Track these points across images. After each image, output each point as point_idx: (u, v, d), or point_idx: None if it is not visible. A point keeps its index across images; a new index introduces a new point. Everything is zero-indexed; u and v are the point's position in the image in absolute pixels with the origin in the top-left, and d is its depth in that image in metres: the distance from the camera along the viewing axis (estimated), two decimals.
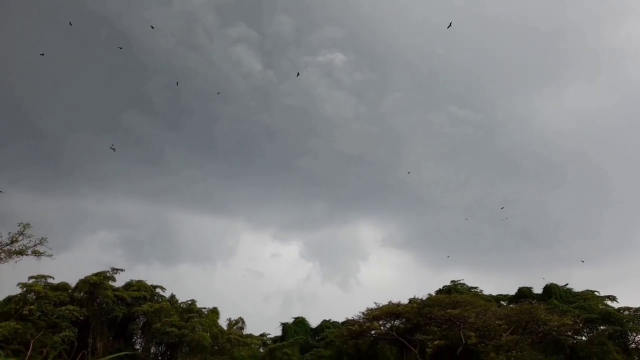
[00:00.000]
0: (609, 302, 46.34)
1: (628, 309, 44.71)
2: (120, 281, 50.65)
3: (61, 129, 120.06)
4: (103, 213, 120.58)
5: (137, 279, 52.22)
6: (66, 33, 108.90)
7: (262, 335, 59.63)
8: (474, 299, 40.44)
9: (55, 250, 25.92)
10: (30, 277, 45.83)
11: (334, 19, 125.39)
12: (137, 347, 50.39)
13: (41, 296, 44.09)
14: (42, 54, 75.05)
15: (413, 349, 38.76)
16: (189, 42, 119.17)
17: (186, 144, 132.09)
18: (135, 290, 49.91)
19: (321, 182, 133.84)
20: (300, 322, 57.15)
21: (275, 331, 58.51)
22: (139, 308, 48.12)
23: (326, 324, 57.60)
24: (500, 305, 45.87)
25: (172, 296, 54.19)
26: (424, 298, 43.39)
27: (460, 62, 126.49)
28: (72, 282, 48.15)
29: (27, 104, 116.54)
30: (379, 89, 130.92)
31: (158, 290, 53.36)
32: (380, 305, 41.78)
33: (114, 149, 47.48)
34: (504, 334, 34.75)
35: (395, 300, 42.21)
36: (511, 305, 45.48)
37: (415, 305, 41.20)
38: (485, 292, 52.96)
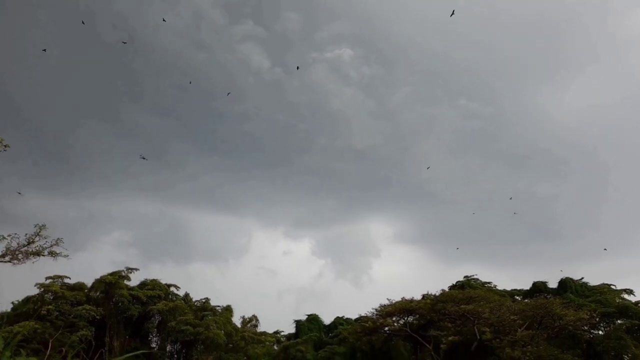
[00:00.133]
0: (625, 296, 45.76)
1: None
2: (135, 280, 51.36)
3: (72, 130, 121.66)
4: (117, 213, 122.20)
5: (151, 278, 52.92)
6: (73, 33, 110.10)
7: (276, 332, 60.00)
8: (488, 294, 40.14)
9: (70, 250, 26.23)
10: (47, 278, 46.61)
11: (341, 14, 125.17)
12: (153, 345, 50.99)
13: (58, 296, 44.81)
14: (44, 50, 75.82)
15: (427, 345, 38.65)
16: (197, 40, 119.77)
17: (196, 143, 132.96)
18: (150, 289, 50.48)
19: (331, 178, 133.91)
20: (313, 319, 57.35)
21: (289, 328, 58.92)
22: (154, 307, 48.68)
23: (339, 321, 57.74)
24: (514, 300, 45.50)
25: (186, 294, 54.71)
26: (437, 294, 43.20)
27: (468, 55, 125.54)
28: (88, 282, 48.92)
29: (37, 105, 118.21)
30: (388, 84, 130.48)
31: (172, 288, 53.93)
32: (393, 301, 41.67)
33: (144, 158, 47.74)
34: (519, 329, 34.46)
35: (408, 296, 42.10)
36: (526, 300, 45.06)
37: (428, 301, 41.04)
38: (499, 287, 52.60)
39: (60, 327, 41.73)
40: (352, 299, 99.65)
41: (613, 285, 48.39)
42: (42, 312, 41.94)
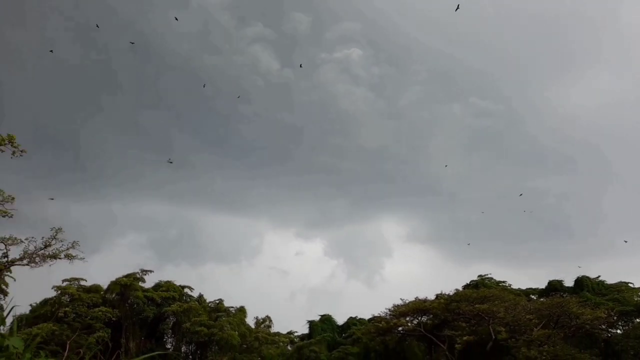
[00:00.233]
0: None
1: None
2: (149, 282, 51.87)
3: (86, 135, 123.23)
4: (131, 216, 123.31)
5: (165, 279, 53.36)
6: (85, 37, 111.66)
7: (289, 333, 60.07)
8: (502, 294, 39.78)
9: (86, 253, 26.66)
10: (64, 280, 47.34)
11: (350, 14, 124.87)
12: (168, 346, 51.45)
13: (75, 298, 45.47)
14: (51, 51, 76.52)
15: (441, 345, 38.40)
16: (207, 43, 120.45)
17: (207, 145, 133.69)
18: (164, 291, 50.94)
19: (342, 178, 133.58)
20: (326, 319, 57.38)
21: (302, 329, 58.98)
22: (168, 308, 49.11)
23: (352, 321, 57.67)
24: (530, 299, 45.01)
25: (200, 296, 55.10)
26: (451, 293, 42.94)
27: (478, 53, 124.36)
28: (104, 284, 49.55)
29: (51, 110, 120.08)
30: (398, 83, 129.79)
31: (186, 290, 54.39)
32: (407, 301, 41.53)
33: (171, 162, 48.15)
34: (535, 329, 34.09)
35: (421, 296, 41.94)
36: (542, 299, 44.56)
37: (442, 300, 40.80)
38: (514, 286, 52.06)
39: (77, 328, 42.33)
40: (364, 299, 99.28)
41: (631, 283, 47.59)
42: (60, 314, 42.60)
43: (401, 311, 40.69)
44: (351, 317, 58.96)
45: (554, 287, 49.19)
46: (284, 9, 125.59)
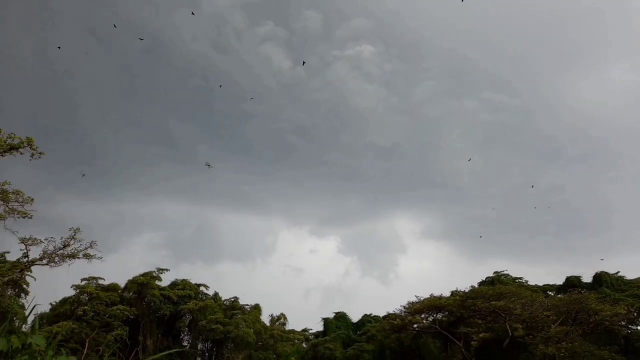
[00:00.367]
0: None
1: None
2: (166, 280, 52.51)
3: (102, 135, 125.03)
4: (147, 215, 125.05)
5: (181, 278, 53.94)
6: (99, 39, 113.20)
7: (304, 330, 60.27)
8: (519, 290, 39.38)
9: (104, 252, 27.03)
10: (82, 279, 48.16)
11: (361, 10, 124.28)
12: (185, 344, 52.02)
13: (93, 297, 46.24)
14: (59, 47, 77.24)
15: (457, 342, 38.15)
16: (219, 43, 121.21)
17: (220, 144, 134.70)
18: (180, 289, 51.53)
19: (355, 176, 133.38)
20: (341, 316, 57.44)
21: (317, 326, 59.15)
22: (184, 306, 49.66)
23: (367, 319, 57.62)
24: (547, 296, 44.45)
25: (216, 294, 55.60)
26: (466, 290, 42.64)
27: (493, 45, 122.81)
28: (121, 283, 50.30)
29: (68, 112, 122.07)
30: (410, 79, 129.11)
31: (202, 288, 54.91)
32: (422, 298, 41.36)
33: (209, 166, 48.49)
34: (552, 325, 33.65)
35: (436, 293, 41.73)
36: (559, 296, 43.98)
37: (457, 297, 40.53)
38: (531, 283, 51.47)
39: (96, 327, 43.05)
40: (379, 296, 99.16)
41: None
42: (79, 312, 43.39)
43: (416, 308, 40.52)
44: (366, 315, 58.93)
45: (572, 283, 48.52)
46: (294, 7, 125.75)
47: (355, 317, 58.81)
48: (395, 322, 41.02)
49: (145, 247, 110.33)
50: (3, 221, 21.38)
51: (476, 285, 47.54)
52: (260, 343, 50.23)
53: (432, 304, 40.00)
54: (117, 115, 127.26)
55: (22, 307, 36.09)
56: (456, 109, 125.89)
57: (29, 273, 32.52)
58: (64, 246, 26.13)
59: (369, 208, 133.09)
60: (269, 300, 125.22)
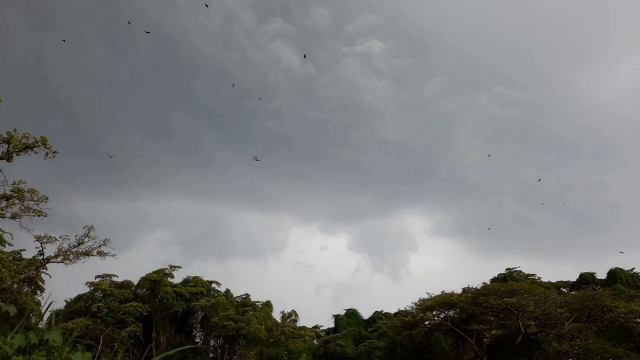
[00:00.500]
0: None
1: None
2: (178, 277, 53.02)
3: (114, 133, 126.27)
4: (159, 213, 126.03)
5: (193, 275, 54.39)
6: (112, 38, 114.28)
7: (315, 327, 60.46)
8: (532, 287, 39.04)
9: (117, 250, 27.29)
10: (96, 276, 48.88)
11: (370, 6, 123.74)
12: (197, 340, 52.54)
13: (107, 294, 46.92)
14: (64, 40, 77.51)
15: (469, 339, 37.97)
16: (229, 41, 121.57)
17: (231, 142, 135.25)
18: (192, 286, 51.99)
19: (365, 172, 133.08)
20: (352, 313, 57.46)
21: (328, 323, 59.27)
22: (196, 303, 50.10)
23: (378, 315, 57.58)
24: (560, 293, 44.02)
25: (227, 291, 56.00)
26: (478, 287, 42.38)
27: (504, 39, 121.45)
28: (134, 280, 50.94)
29: (83, 110, 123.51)
30: (420, 75, 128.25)
31: (214, 285, 55.34)
32: (433, 295, 41.23)
33: (257, 159, 48.82)
34: (566, 323, 33.32)
35: (448, 290, 41.56)
36: (573, 292, 43.50)
37: (469, 294, 40.33)
38: (544, 280, 50.95)
39: (110, 323, 43.67)
40: (390, 293, 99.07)
41: None
42: (93, 309, 44.04)
43: (427, 305, 40.39)
44: (377, 312, 58.88)
45: (586, 279, 47.93)
46: (304, 4, 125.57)
47: (366, 314, 58.86)
48: (407, 319, 40.95)
49: (157, 245, 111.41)
50: (19, 219, 21.74)
51: (488, 282, 47.21)
52: (272, 340, 50.51)
53: (444, 301, 39.84)
54: (128, 114, 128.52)
55: (38, 304, 36.71)
56: (467, 103, 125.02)
57: (44, 270, 33.01)
58: (79, 244, 26.45)
59: (379, 204, 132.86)
60: (280, 297, 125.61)
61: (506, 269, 52.70)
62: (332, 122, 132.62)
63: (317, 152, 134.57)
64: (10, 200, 20.92)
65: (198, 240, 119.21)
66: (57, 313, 44.97)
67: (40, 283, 38.93)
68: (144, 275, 50.09)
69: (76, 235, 26.51)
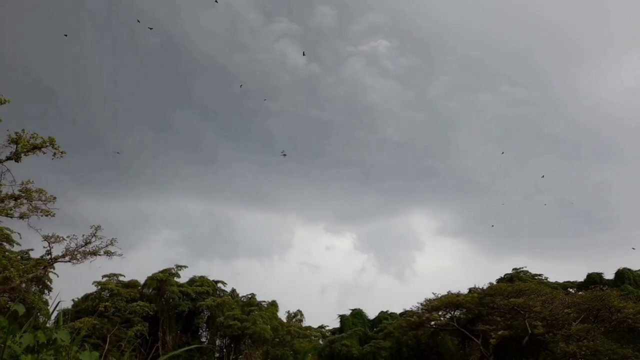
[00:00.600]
0: None
1: None
2: (184, 277, 53.22)
3: (121, 134, 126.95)
4: (165, 213, 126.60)
5: (199, 274, 54.55)
6: (117, 37, 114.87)
7: (321, 327, 60.44)
8: (538, 287, 38.81)
9: (124, 249, 27.43)
10: (103, 276, 49.17)
11: (375, 5, 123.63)
12: (203, 339, 52.70)
13: (114, 293, 47.17)
14: (66, 35, 77.37)
15: (475, 340, 37.80)
16: (235, 41, 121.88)
17: (237, 142, 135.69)
18: (198, 286, 52.16)
19: (370, 172, 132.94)
20: (357, 313, 57.39)
21: (333, 323, 59.21)
22: (202, 303, 50.25)
23: (384, 315, 57.47)
24: (567, 293, 43.72)
25: (233, 290, 56.12)
26: (484, 287, 42.20)
27: (504, 39, 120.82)
28: (141, 279, 51.19)
29: (88, 110, 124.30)
30: (426, 74, 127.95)
31: (219, 285, 55.50)
32: (439, 295, 41.09)
33: (284, 154, 49.15)
34: (573, 323, 33.08)
35: (454, 290, 41.41)
36: (580, 293, 43.20)
37: (475, 294, 40.16)
38: (551, 280, 50.65)
39: (116, 323, 43.90)
40: (395, 293, 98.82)
41: None
42: (100, 308, 44.30)
43: (433, 305, 40.27)
44: (382, 312, 58.76)
45: (594, 280, 47.60)
46: (309, 3, 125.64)
47: (371, 314, 58.79)
48: (413, 319, 40.84)
49: (163, 244, 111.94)
50: (27, 219, 21.91)
51: (494, 282, 47.00)
52: (278, 339, 50.56)
53: (450, 301, 39.70)
54: (134, 114, 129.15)
55: (46, 303, 36.99)
56: (473, 103, 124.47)
57: (52, 270, 33.26)
58: (86, 243, 26.61)
59: (384, 204, 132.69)
60: (286, 297, 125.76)
61: (513, 269, 52.47)
62: (337, 121, 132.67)
63: (323, 152, 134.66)
64: (19, 200, 21.08)
65: (204, 240, 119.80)
66: (64, 312, 45.24)
67: (48, 282, 39.24)
68: (150, 274, 50.42)
69: (83, 235, 26.67)
